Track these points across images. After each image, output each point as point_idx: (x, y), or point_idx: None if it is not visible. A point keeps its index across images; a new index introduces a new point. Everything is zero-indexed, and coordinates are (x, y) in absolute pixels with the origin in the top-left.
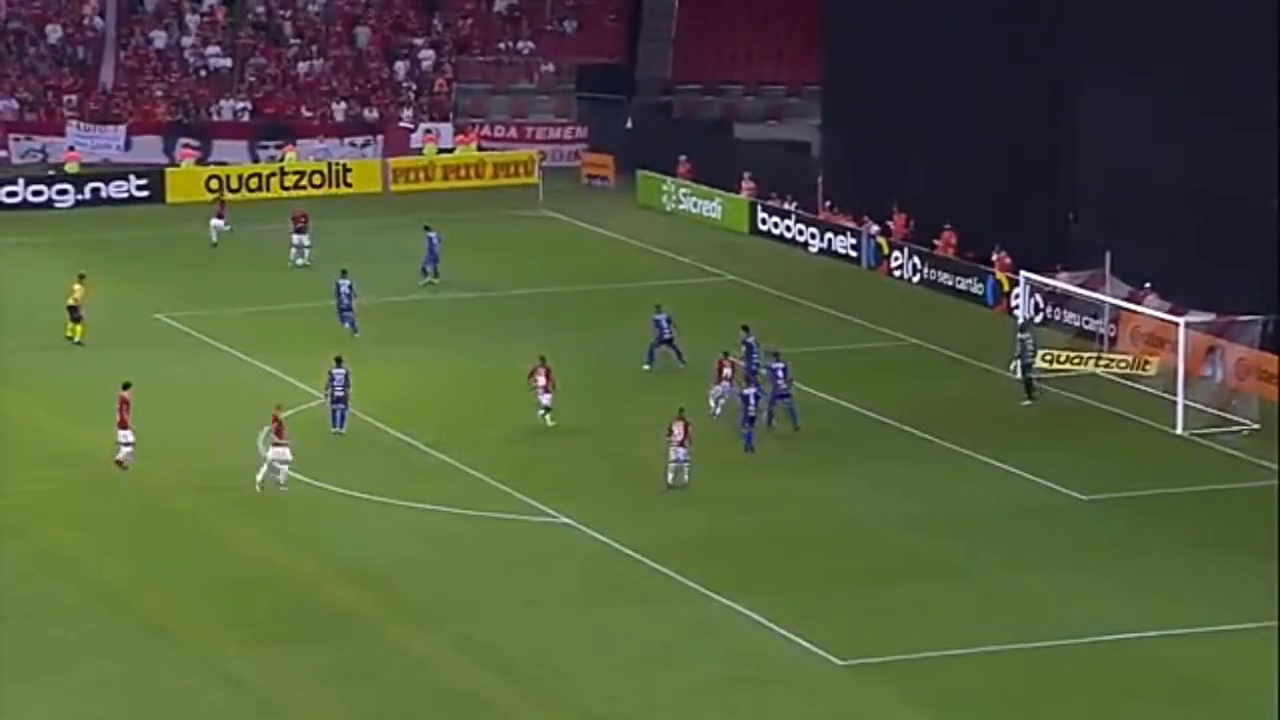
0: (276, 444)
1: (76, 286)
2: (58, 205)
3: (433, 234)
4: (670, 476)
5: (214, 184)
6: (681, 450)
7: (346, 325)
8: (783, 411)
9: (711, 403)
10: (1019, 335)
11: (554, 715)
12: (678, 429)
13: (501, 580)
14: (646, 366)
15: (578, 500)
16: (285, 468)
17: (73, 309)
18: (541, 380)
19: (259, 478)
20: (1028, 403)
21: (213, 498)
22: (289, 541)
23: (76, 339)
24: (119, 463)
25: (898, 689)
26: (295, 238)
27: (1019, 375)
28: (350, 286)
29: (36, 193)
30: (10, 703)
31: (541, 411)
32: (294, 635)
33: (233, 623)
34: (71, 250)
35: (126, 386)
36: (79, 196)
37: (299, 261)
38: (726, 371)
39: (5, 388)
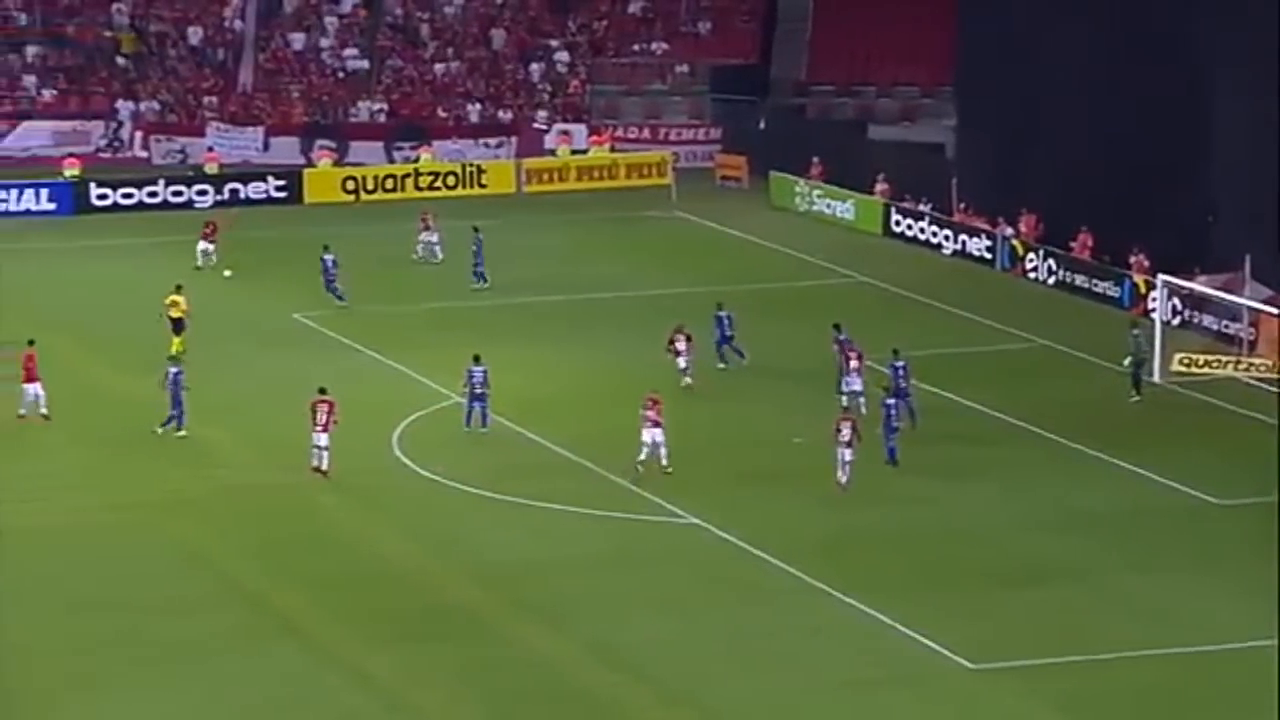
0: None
1: (178, 298)
2: (197, 205)
3: (481, 235)
4: (843, 477)
5: (350, 184)
6: (849, 451)
7: (333, 295)
8: (903, 411)
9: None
10: (1131, 333)
11: (683, 715)
12: (845, 429)
13: (629, 580)
14: (721, 365)
15: (705, 500)
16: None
17: (178, 321)
18: (682, 345)
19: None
20: (1136, 399)
21: (344, 495)
22: (419, 540)
23: (176, 352)
24: (316, 469)
25: (1028, 693)
26: (422, 236)
27: (1130, 371)
28: (334, 260)
29: (176, 193)
30: (143, 699)
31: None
32: (423, 634)
33: (363, 621)
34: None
35: (324, 391)
36: (218, 197)
37: (427, 256)
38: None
39: (143, 383)
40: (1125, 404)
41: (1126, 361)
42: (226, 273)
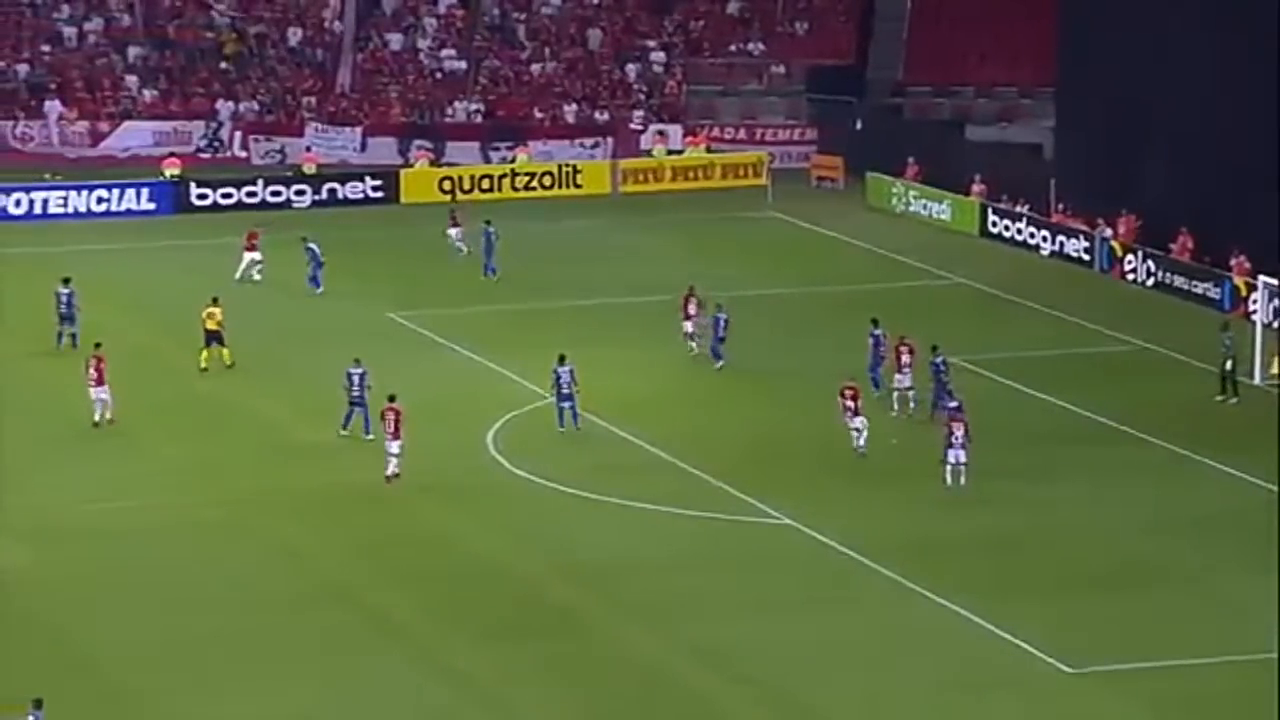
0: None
1: (215, 310)
2: (295, 205)
3: (491, 229)
4: (949, 479)
5: (446, 184)
6: (962, 453)
7: (312, 285)
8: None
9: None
10: (1222, 334)
11: (780, 716)
12: (958, 430)
13: (723, 580)
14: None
15: (799, 500)
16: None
17: (213, 333)
18: (693, 309)
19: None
20: (1235, 400)
21: (440, 494)
22: (513, 538)
23: (212, 364)
24: (388, 477)
25: (1127, 697)
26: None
27: (1221, 374)
28: (314, 250)
29: (275, 193)
30: (239, 695)
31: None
32: (519, 632)
33: (458, 619)
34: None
35: (393, 399)
36: (316, 197)
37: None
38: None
39: (242, 382)
40: (1224, 406)
41: (1223, 365)
42: (256, 276)
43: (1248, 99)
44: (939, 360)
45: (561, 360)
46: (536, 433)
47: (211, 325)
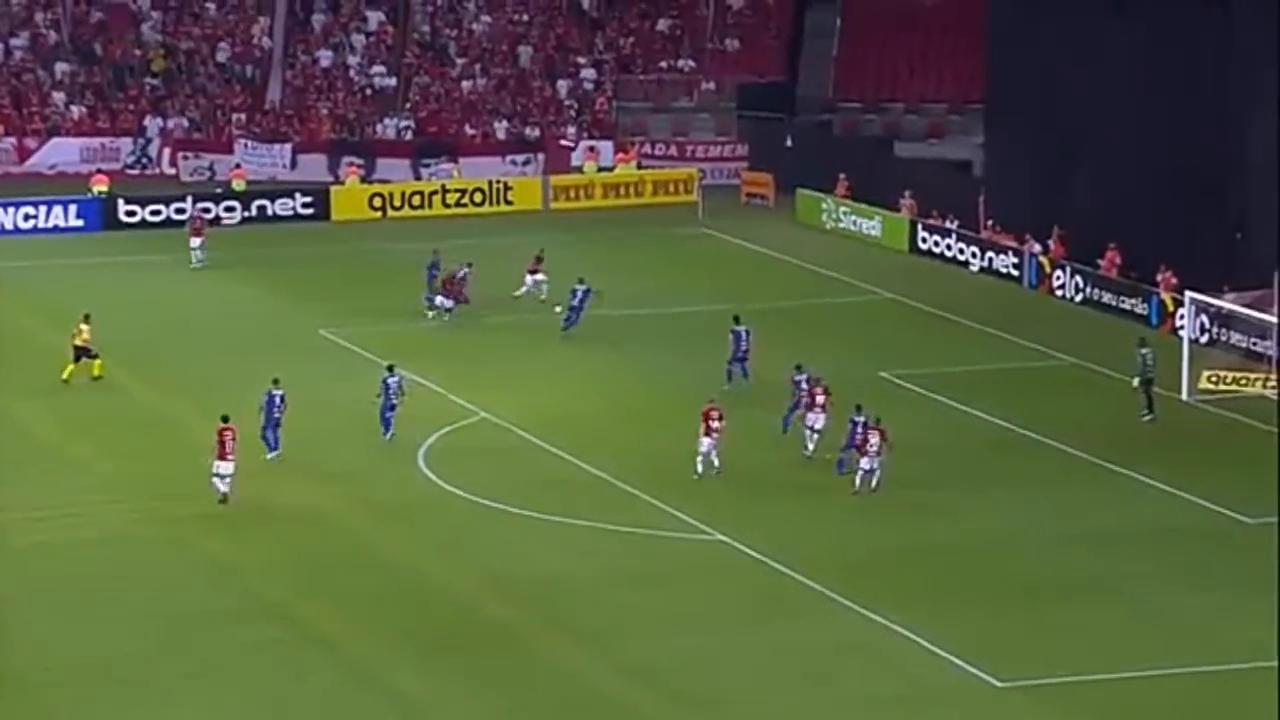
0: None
1: (83, 326)
2: (225, 222)
3: (438, 257)
4: (858, 484)
5: (377, 201)
6: (877, 459)
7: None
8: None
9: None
10: (1139, 350)
11: None
12: (874, 438)
13: (655, 596)
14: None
15: (730, 516)
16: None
17: (82, 349)
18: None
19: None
20: (1149, 417)
21: (372, 511)
22: (445, 554)
23: (76, 377)
24: (222, 498)
25: (1057, 710)
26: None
27: (1139, 389)
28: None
29: (204, 209)
30: (169, 712)
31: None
32: (451, 648)
33: (393, 636)
34: (238, 267)
35: (226, 419)
36: (245, 214)
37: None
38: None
39: (175, 400)
40: (1155, 422)
41: (1136, 382)
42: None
43: (1175, 116)
44: (801, 378)
45: (391, 370)
46: (468, 449)
47: (79, 341)
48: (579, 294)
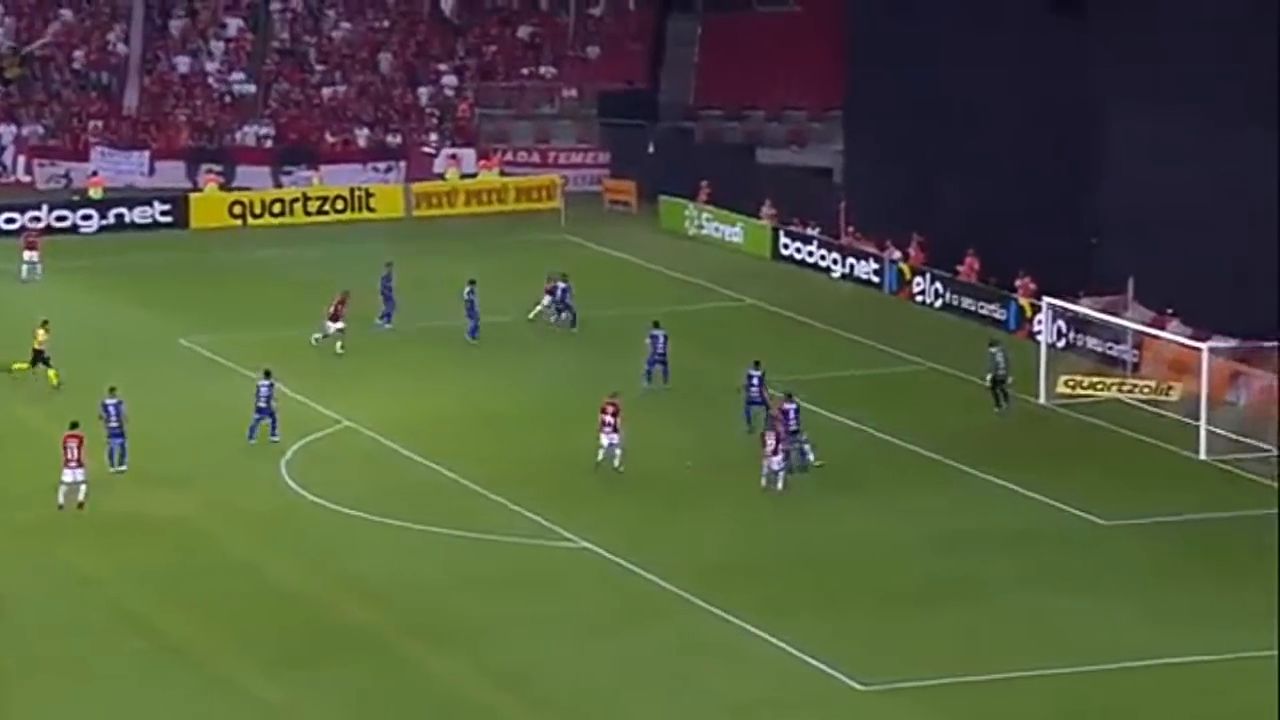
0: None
1: (40, 331)
2: (82, 230)
3: (390, 269)
4: (764, 483)
5: (237, 209)
6: (777, 459)
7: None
8: (795, 451)
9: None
10: (990, 349)
11: None
12: (770, 439)
13: (521, 603)
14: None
15: (595, 523)
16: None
17: (39, 353)
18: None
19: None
20: (999, 411)
21: (233, 521)
22: (308, 564)
23: (55, 384)
24: (76, 505)
25: (919, 713)
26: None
27: (990, 386)
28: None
29: (60, 218)
30: None
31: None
32: (315, 658)
33: (252, 645)
34: (96, 275)
35: (75, 425)
36: (103, 222)
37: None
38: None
39: (29, 409)
40: (1016, 427)
41: (988, 378)
42: (25, 275)
43: (1032, 123)
44: (790, 408)
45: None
46: (331, 458)
47: (36, 345)
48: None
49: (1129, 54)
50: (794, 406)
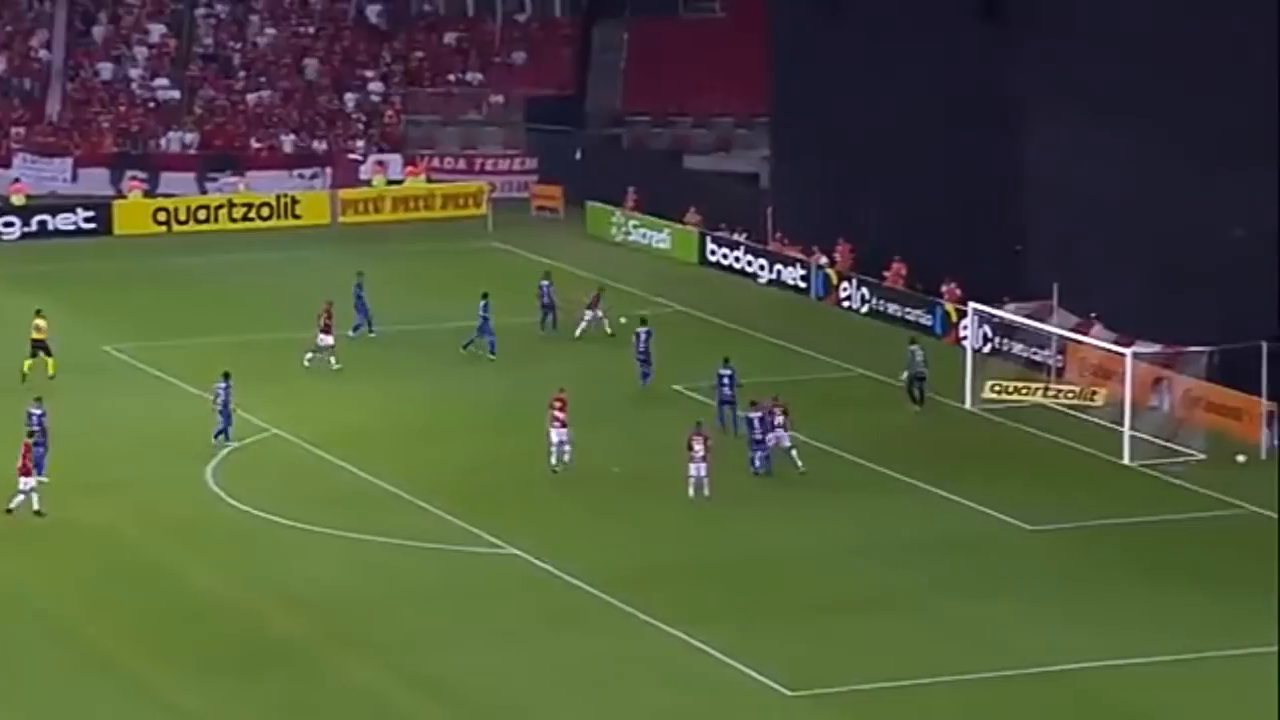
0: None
1: (40, 321)
2: (4, 237)
3: (361, 278)
4: (691, 491)
5: (161, 216)
6: (703, 465)
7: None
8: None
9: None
10: (910, 347)
11: None
12: (698, 444)
13: (449, 611)
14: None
15: (524, 530)
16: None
17: (39, 343)
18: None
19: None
20: (915, 409)
21: (160, 530)
22: (235, 573)
23: (51, 375)
24: (29, 512)
25: (845, 718)
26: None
27: (907, 384)
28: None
29: None
30: None
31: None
32: (239, 667)
33: (179, 655)
34: (18, 283)
35: (31, 435)
36: (25, 229)
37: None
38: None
39: None
40: (942, 432)
41: (904, 375)
42: None
43: (958, 129)
44: (727, 375)
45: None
46: (258, 467)
47: (36, 336)
48: (546, 288)
49: (1052, 61)
50: (758, 415)
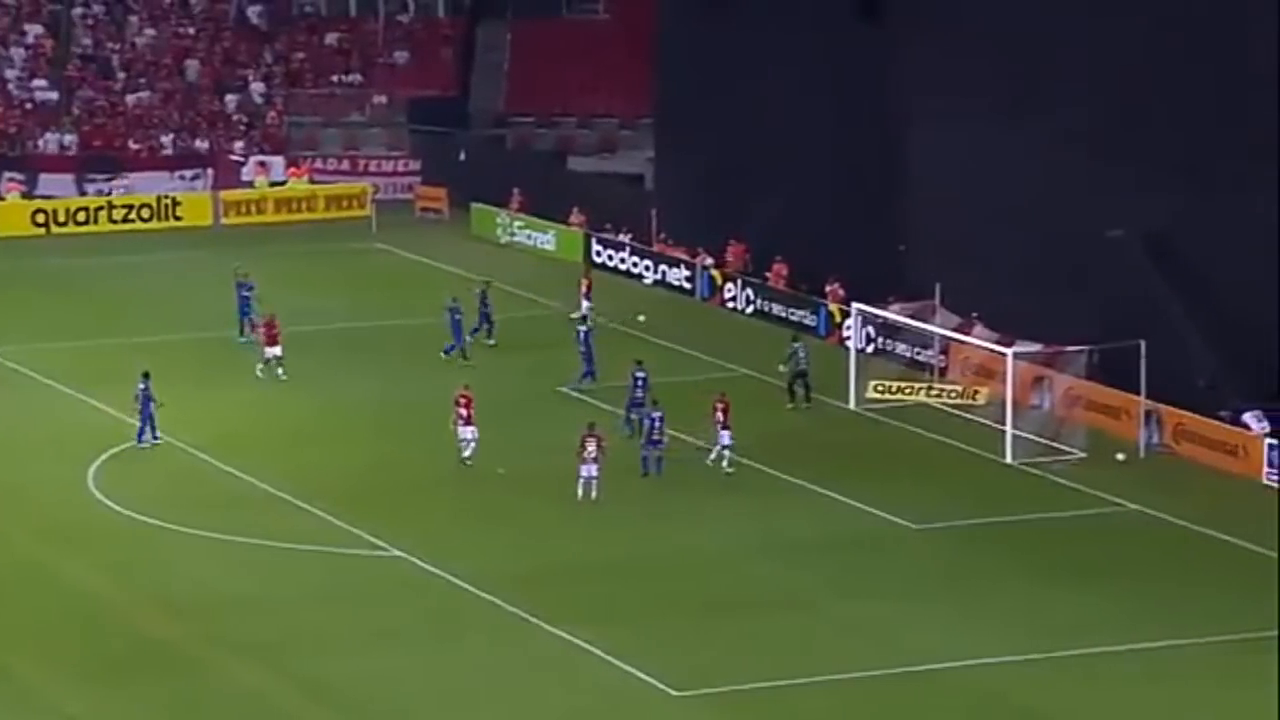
0: None
1: None
2: None
3: (250, 280)
4: (580, 492)
5: (40, 217)
6: (594, 467)
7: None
8: (654, 458)
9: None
10: (792, 344)
11: None
12: (590, 444)
13: (335, 615)
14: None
15: (410, 532)
16: None
17: None
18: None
19: None
20: (807, 406)
21: (40, 533)
22: (117, 576)
23: None
24: None
25: (731, 717)
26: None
27: (789, 382)
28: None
29: None
30: None
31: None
32: (126, 672)
33: (61, 660)
34: None
35: None
36: None
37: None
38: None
39: None
40: (828, 432)
41: (782, 368)
42: None
43: (840, 130)
44: (656, 416)
45: (145, 376)
46: (139, 470)
47: None
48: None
49: (931, 63)
50: (659, 415)
